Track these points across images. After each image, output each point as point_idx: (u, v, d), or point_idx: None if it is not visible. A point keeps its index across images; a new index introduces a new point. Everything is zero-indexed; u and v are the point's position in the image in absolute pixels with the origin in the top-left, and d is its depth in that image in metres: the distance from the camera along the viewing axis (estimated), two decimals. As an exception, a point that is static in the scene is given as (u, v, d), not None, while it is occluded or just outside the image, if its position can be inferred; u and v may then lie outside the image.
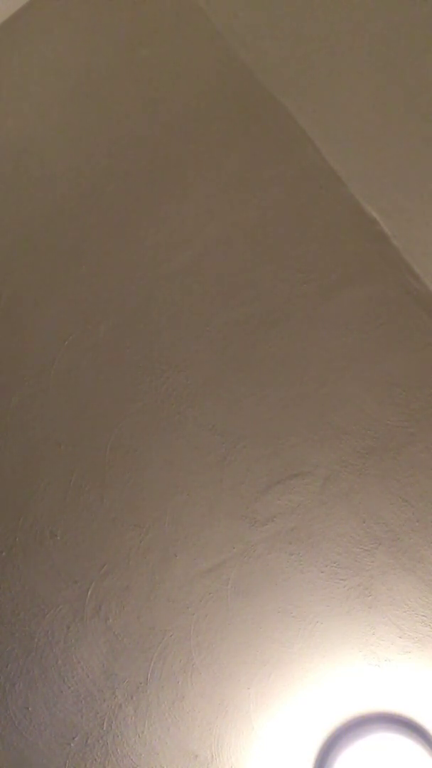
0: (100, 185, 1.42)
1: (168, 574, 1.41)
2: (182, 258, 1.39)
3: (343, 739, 1.34)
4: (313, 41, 1.27)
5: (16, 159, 1.44)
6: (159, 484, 1.41)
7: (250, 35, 1.31)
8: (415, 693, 1.33)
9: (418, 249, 1.30)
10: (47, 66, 1.41)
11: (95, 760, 1.44)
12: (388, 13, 1.22)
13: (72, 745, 1.44)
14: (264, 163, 1.35)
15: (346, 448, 1.34)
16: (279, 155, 1.33)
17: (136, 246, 1.41)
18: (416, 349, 1.32)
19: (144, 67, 1.37)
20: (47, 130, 1.42)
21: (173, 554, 1.41)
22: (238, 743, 1.39)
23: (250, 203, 1.36)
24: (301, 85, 1.31)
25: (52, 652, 1.44)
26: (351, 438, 1.34)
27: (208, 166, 1.37)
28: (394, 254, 1.30)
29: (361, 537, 1.34)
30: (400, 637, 1.33)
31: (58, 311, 1.44)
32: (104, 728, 1.43)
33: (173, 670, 1.41)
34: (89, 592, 1.43)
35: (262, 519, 1.37)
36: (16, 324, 1.46)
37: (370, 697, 1.35)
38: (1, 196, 1.45)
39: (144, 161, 1.39)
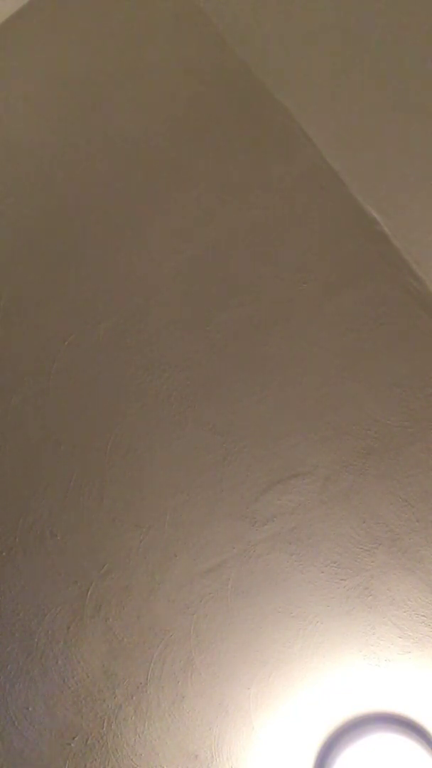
0: (100, 185, 1.42)
1: (168, 574, 1.41)
2: (182, 258, 1.39)
3: (343, 739, 1.34)
4: (314, 41, 1.27)
5: (15, 159, 1.44)
6: (159, 484, 1.41)
7: (250, 35, 1.31)
8: (415, 693, 1.33)
9: (418, 249, 1.30)
10: (47, 66, 1.41)
11: (95, 760, 1.44)
12: (388, 13, 1.22)
13: (72, 745, 1.44)
14: (264, 163, 1.35)
15: (346, 448, 1.34)
16: (279, 155, 1.33)
17: (136, 246, 1.41)
18: (416, 349, 1.32)
19: (144, 67, 1.37)
20: (47, 129, 1.42)
21: (173, 554, 1.41)
22: (238, 743, 1.39)
23: (250, 203, 1.36)
24: (301, 85, 1.31)
25: (52, 652, 1.44)
26: (351, 438, 1.34)
27: (208, 166, 1.37)
28: (394, 254, 1.30)
29: (361, 537, 1.34)
30: (400, 637, 1.33)
31: (58, 311, 1.44)
32: (104, 728, 1.43)
33: (173, 670, 1.41)
34: (89, 592, 1.43)
35: (262, 519, 1.37)
36: (16, 324, 1.46)
37: (370, 697, 1.35)
38: (1, 197, 1.45)
39: (144, 161, 1.39)
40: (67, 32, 1.40)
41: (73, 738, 1.44)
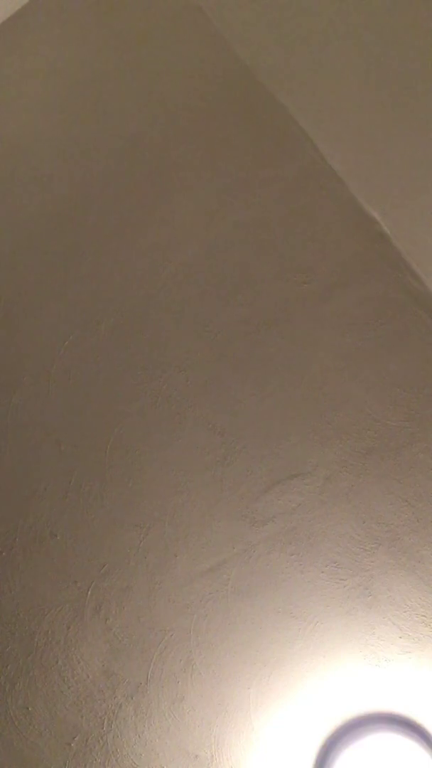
0: (99, 185, 1.42)
1: (168, 574, 1.41)
2: (182, 258, 1.39)
3: (343, 739, 1.34)
4: (313, 41, 1.27)
5: (15, 159, 1.44)
6: (159, 484, 1.41)
7: (250, 35, 1.31)
8: (415, 693, 1.33)
9: (418, 249, 1.30)
10: (47, 66, 1.41)
11: (95, 760, 1.44)
12: (388, 14, 1.22)
13: (72, 745, 1.44)
14: (264, 163, 1.35)
15: (346, 448, 1.34)
16: (279, 155, 1.33)
17: (136, 246, 1.41)
18: (416, 349, 1.32)
19: (144, 67, 1.37)
20: (47, 130, 1.42)
21: (173, 554, 1.41)
22: (238, 743, 1.39)
23: (250, 203, 1.36)
24: (301, 85, 1.31)
25: (52, 652, 1.44)
26: (351, 438, 1.34)
27: (208, 165, 1.37)
28: (394, 254, 1.30)
29: (361, 537, 1.34)
30: (400, 637, 1.33)
31: (58, 311, 1.44)
32: (104, 728, 1.43)
33: (173, 670, 1.41)
34: (89, 592, 1.43)
35: (262, 519, 1.37)
36: (16, 324, 1.46)
37: (370, 697, 1.35)
38: (1, 196, 1.45)
39: (144, 161, 1.39)
40: (67, 32, 1.40)
41: (73, 738, 1.44)
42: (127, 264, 1.42)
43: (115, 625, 1.43)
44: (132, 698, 1.42)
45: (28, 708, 1.45)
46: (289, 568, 1.37)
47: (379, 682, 1.34)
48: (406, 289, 1.30)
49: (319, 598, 1.36)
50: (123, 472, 1.42)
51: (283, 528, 1.37)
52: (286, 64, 1.31)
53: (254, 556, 1.38)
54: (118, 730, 1.43)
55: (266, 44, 1.31)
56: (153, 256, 1.40)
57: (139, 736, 1.42)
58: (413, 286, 1.30)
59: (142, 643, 1.42)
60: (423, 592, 1.32)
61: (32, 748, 1.45)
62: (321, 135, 1.31)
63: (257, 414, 1.37)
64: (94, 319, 1.43)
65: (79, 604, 1.44)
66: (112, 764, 1.43)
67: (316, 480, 1.35)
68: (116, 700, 1.43)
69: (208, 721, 1.40)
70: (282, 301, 1.36)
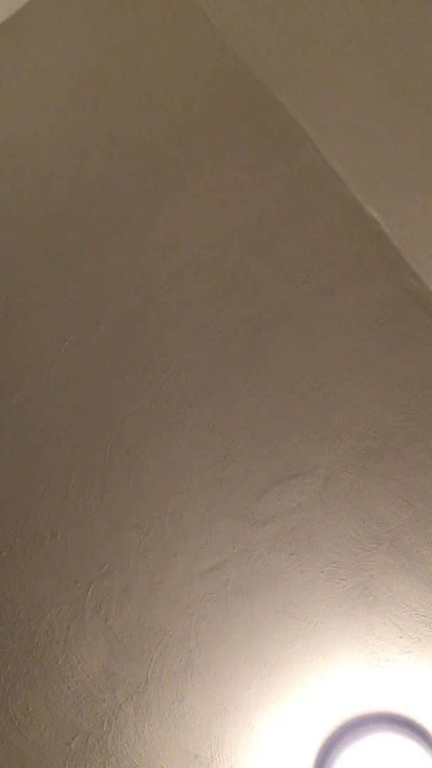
0: (100, 185, 1.42)
1: (168, 574, 1.41)
2: (182, 258, 1.39)
3: (343, 739, 1.34)
4: (313, 41, 1.27)
5: (16, 159, 1.44)
6: (159, 484, 1.41)
7: (250, 35, 1.31)
8: (415, 693, 1.33)
9: (418, 249, 1.30)
10: (47, 66, 1.41)
11: (95, 760, 1.44)
12: (388, 14, 1.22)
13: (72, 745, 1.44)
14: (264, 163, 1.35)
15: (346, 448, 1.34)
16: (279, 155, 1.33)
17: (136, 246, 1.41)
18: (416, 349, 1.32)
19: (144, 67, 1.37)
20: (47, 130, 1.42)
21: (173, 554, 1.41)
22: (238, 743, 1.39)
23: (250, 203, 1.36)
24: (301, 85, 1.31)
25: (52, 652, 1.44)
26: (351, 438, 1.34)
27: (208, 165, 1.37)
28: (394, 254, 1.30)
29: (361, 537, 1.34)
30: (400, 637, 1.33)
31: (58, 311, 1.44)
32: (104, 728, 1.43)
33: (173, 670, 1.41)
34: (89, 592, 1.43)
35: (262, 519, 1.37)
36: (16, 324, 1.46)
37: (370, 697, 1.35)
38: (1, 196, 1.45)
39: (144, 161, 1.39)
40: (67, 32, 1.40)
41: (73, 738, 1.44)
42: (127, 264, 1.42)
43: (115, 625, 1.43)
44: (132, 698, 1.42)
45: (28, 708, 1.45)
46: (289, 568, 1.37)
47: (379, 682, 1.34)
48: (406, 289, 1.30)
49: (319, 598, 1.36)
50: (123, 472, 1.42)
51: (283, 528, 1.37)
52: (286, 64, 1.31)
53: (254, 556, 1.38)
54: (118, 730, 1.43)
55: (266, 44, 1.31)
56: (153, 256, 1.40)
57: (139, 736, 1.42)
58: (413, 286, 1.30)
59: (142, 643, 1.42)
60: (423, 592, 1.32)
61: (32, 748, 1.45)
62: (321, 135, 1.31)
63: (257, 414, 1.37)
64: (94, 319, 1.43)
65: (79, 604, 1.44)
66: (112, 764, 1.43)
67: (316, 480, 1.35)
68: (116, 700, 1.43)
69: (208, 721, 1.40)
70: (282, 301, 1.36)
